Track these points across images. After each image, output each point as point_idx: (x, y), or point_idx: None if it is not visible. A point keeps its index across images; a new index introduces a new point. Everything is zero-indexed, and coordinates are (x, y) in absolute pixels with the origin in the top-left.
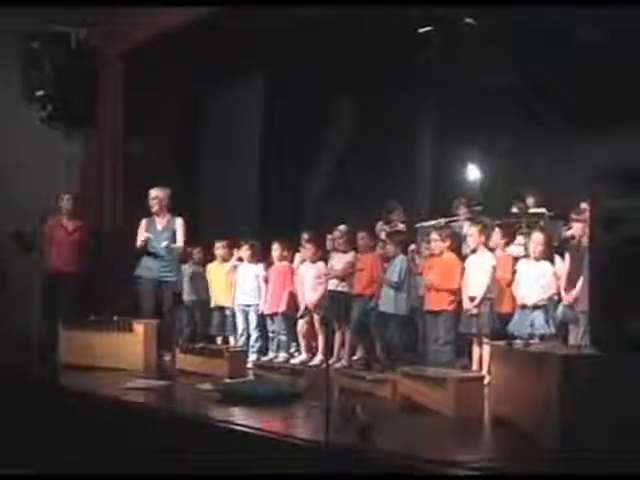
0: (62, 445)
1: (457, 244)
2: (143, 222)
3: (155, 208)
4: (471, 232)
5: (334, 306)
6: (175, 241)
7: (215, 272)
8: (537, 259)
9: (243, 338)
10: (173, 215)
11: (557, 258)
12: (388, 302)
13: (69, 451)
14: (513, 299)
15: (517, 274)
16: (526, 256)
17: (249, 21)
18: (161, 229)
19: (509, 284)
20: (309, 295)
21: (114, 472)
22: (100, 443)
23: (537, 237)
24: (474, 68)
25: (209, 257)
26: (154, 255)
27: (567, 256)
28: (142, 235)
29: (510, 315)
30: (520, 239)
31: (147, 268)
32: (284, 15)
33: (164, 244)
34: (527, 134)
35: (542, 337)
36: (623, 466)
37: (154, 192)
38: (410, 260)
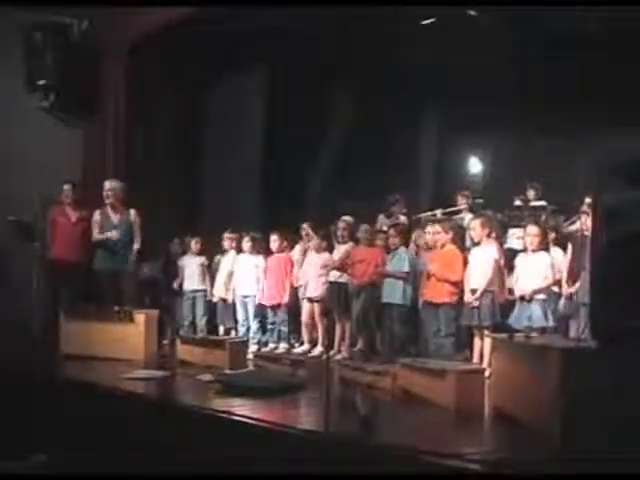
0: (62, 436)
1: (459, 236)
2: (96, 214)
3: (110, 200)
4: (473, 225)
5: (334, 297)
6: (131, 234)
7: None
8: (533, 251)
9: (243, 329)
10: (127, 208)
11: (559, 251)
12: (393, 293)
13: (70, 442)
14: None
15: (515, 267)
16: (524, 249)
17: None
18: (117, 223)
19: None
20: (313, 286)
21: (115, 463)
22: (101, 435)
23: (531, 230)
24: (476, 61)
25: (210, 248)
26: (108, 248)
27: (569, 249)
28: (99, 230)
29: None
30: (520, 232)
31: (102, 261)
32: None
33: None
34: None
35: (541, 330)
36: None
37: (109, 184)
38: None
